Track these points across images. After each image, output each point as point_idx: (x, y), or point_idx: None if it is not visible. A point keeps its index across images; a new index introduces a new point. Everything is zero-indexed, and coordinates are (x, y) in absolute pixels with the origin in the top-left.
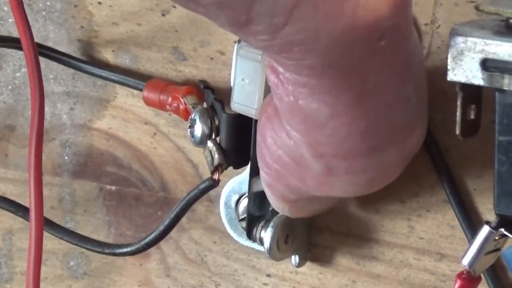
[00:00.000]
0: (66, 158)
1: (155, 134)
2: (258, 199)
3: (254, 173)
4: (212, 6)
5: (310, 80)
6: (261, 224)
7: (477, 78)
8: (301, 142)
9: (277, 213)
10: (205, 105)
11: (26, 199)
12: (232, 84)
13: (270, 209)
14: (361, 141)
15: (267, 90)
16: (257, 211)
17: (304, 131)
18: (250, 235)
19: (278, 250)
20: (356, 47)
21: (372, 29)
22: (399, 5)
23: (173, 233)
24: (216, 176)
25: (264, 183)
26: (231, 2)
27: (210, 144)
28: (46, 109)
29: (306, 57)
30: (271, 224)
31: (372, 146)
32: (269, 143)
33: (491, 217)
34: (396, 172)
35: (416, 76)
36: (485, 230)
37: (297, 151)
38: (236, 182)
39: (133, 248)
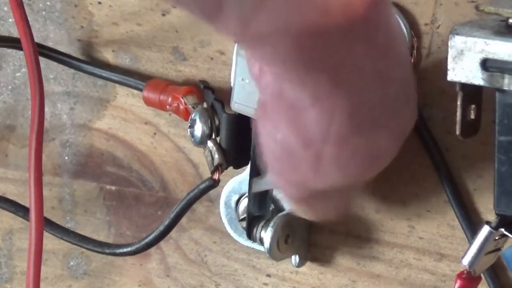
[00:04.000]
0: (66, 158)
1: (155, 134)
2: (258, 199)
3: (254, 173)
4: None
5: (285, 71)
6: (261, 224)
7: (477, 78)
8: (289, 133)
9: (278, 213)
10: (205, 105)
11: (26, 199)
12: (232, 84)
13: (271, 209)
14: (347, 124)
15: None
16: (257, 211)
17: (291, 120)
18: (250, 235)
19: (278, 250)
20: (328, 38)
21: (343, 19)
22: None
23: (173, 233)
24: (216, 176)
25: (274, 185)
26: None
27: (210, 144)
28: (46, 109)
29: (279, 49)
30: (271, 224)
31: (358, 129)
32: (265, 140)
33: (491, 217)
34: (388, 157)
35: (400, 61)
36: (485, 230)
37: (287, 143)
38: (236, 182)
39: (133, 248)
